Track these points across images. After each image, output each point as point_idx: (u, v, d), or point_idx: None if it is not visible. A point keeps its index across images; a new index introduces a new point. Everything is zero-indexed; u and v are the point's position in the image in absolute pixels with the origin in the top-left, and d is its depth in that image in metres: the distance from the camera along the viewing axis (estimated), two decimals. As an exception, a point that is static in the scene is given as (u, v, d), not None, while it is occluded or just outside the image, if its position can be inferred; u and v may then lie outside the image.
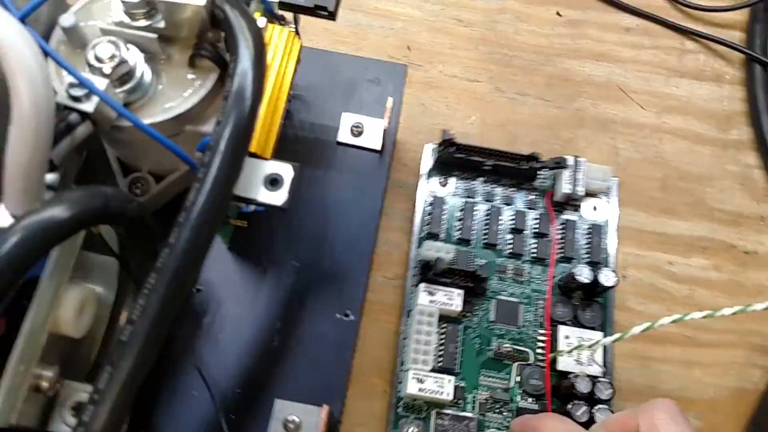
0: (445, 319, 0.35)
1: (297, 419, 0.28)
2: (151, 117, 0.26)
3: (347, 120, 0.32)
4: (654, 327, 0.30)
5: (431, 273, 0.34)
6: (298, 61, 0.29)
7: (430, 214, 0.37)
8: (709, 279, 0.39)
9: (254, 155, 0.25)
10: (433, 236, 0.37)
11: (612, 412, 0.32)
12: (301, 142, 0.32)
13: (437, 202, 0.37)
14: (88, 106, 0.24)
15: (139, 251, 0.26)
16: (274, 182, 0.24)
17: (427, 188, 0.38)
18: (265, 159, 0.25)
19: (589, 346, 0.33)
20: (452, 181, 0.38)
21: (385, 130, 0.31)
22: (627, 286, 0.38)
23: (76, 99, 0.24)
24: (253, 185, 0.24)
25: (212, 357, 0.29)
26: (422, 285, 0.34)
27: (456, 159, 0.37)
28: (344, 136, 0.31)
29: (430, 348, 0.33)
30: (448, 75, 0.42)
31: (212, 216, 0.22)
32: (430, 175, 0.38)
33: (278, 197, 0.24)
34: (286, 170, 0.24)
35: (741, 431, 0.36)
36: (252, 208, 0.28)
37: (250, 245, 0.30)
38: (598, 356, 0.34)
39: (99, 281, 0.27)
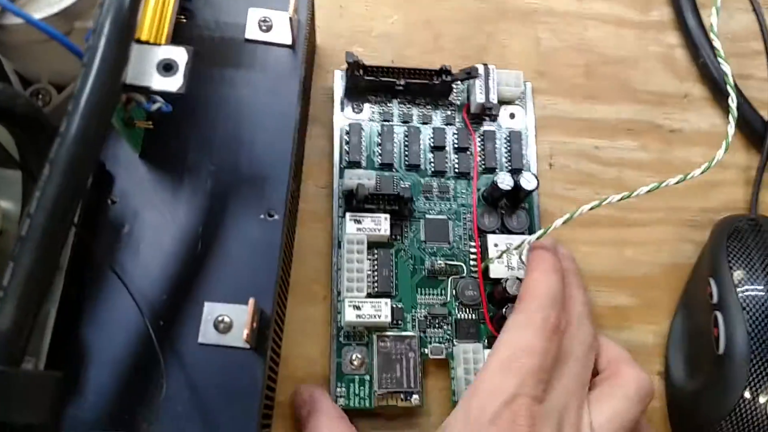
0: (376, 244, 0.35)
1: (228, 318, 0.27)
2: (36, 12, 0.24)
3: (254, 15, 0.30)
4: (573, 217, 0.31)
5: (355, 201, 0.34)
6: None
7: (347, 142, 0.37)
8: (637, 159, 0.39)
9: (146, 43, 0.24)
10: (354, 164, 0.36)
11: None
12: (207, 42, 0.30)
13: (354, 130, 0.37)
14: (-40, -1, 0.22)
15: (40, 158, 0.25)
16: (167, 68, 0.23)
17: (342, 116, 0.37)
18: (157, 45, 0.24)
19: (515, 248, 0.33)
20: (367, 107, 0.38)
21: (292, 20, 0.29)
22: (555, 174, 0.38)
23: (-55, -9, 0.22)
24: (147, 73, 0.23)
25: (135, 267, 0.28)
26: (348, 214, 0.34)
27: (366, 83, 0.37)
28: (252, 32, 0.30)
29: (363, 275, 0.33)
30: (365, -27, 0.41)
31: (101, 101, 0.21)
32: (342, 102, 0.38)
33: (173, 83, 0.23)
34: (179, 54, 0.23)
35: (675, 303, 0.37)
36: (156, 106, 0.27)
37: (164, 152, 0.29)
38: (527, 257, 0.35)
39: (2, 193, 0.26)
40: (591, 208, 0.31)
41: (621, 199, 0.31)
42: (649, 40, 0.41)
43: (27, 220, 0.20)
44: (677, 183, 0.31)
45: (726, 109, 0.40)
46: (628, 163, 0.39)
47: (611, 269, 0.37)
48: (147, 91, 0.23)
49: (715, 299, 0.33)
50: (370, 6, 0.40)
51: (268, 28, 0.31)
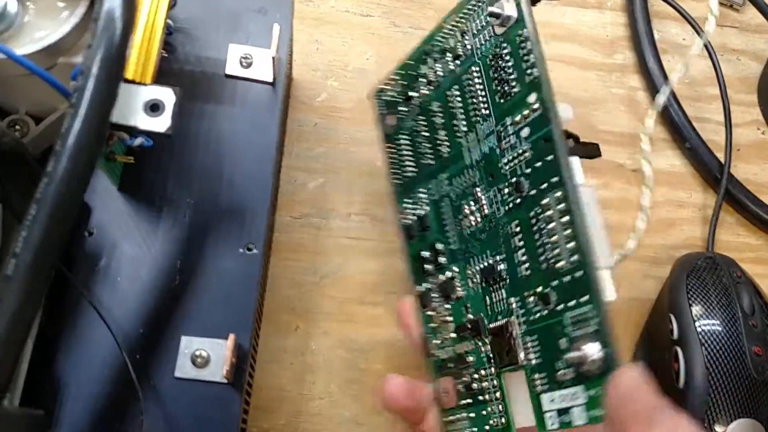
0: None
1: (205, 353, 0.28)
2: (19, 48, 0.24)
3: (235, 51, 0.31)
4: None
5: None
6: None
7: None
8: (601, 198, 0.40)
9: (132, 82, 0.24)
10: None
11: None
12: (188, 77, 0.31)
13: None
14: (-54, 36, 0.22)
15: (23, 193, 0.25)
16: (155, 108, 0.24)
17: None
18: (144, 84, 0.24)
19: None
20: None
21: (275, 59, 0.30)
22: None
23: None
24: (133, 112, 0.24)
25: (112, 300, 0.28)
26: None
27: None
28: (233, 68, 0.31)
29: None
30: (341, 10, 0.41)
31: (90, 141, 0.21)
32: None
33: (161, 123, 0.24)
34: (166, 95, 0.24)
35: (636, 339, 0.38)
36: (138, 142, 0.27)
37: (142, 185, 0.29)
38: None
39: (-20, 228, 0.26)
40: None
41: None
42: (612, 82, 0.43)
43: (12, 259, 0.20)
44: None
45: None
46: (592, 200, 0.40)
47: (576, 303, 0.38)
48: (134, 131, 0.24)
49: (675, 335, 0.34)
50: (347, 42, 0.41)
51: (249, 65, 0.31)
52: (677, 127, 0.41)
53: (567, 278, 0.24)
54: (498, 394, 0.27)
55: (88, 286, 0.28)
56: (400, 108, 0.31)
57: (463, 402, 0.28)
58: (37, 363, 0.26)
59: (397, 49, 0.41)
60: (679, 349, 0.34)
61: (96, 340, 0.27)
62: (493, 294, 0.28)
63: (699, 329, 0.34)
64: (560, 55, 0.43)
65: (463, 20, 0.28)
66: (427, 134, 0.30)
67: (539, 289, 0.25)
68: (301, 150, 0.39)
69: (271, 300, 0.36)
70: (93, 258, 0.29)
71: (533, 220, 0.26)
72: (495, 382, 0.27)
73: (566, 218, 0.25)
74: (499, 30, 0.27)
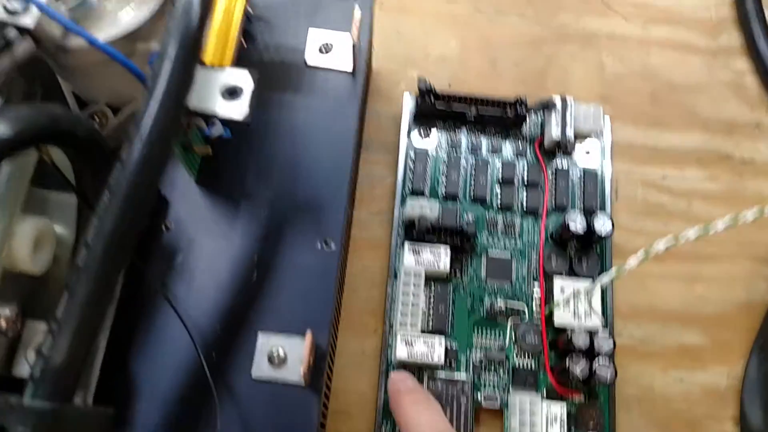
0: (433, 278, 0.33)
1: (282, 351, 0.26)
2: (100, 34, 0.24)
3: (314, 37, 0.29)
4: (648, 258, 0.29)
5: (416, 232, 0.33)
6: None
7: (412, 170, 0.35)
8: (706, 190, 0.37)
9: (210, 67, 0.23)
10: (416, 193, 0.35)
11: (614, 365, 0.30)
12: (268, 67, 0.30)
13: (420, 156, 0.35)
14: (27, 20, 0.22)
15: (97, 182, 0.24)
16: (232, 93, 0.23)
17: (409, 142, 0.36)
18: (221, 68, 0.23)
19: (586, 291, 0.31)
20: (434, 133, 0.36)
21: (355, 47, 0.29)
22: (620, 204, 0.37)
23: (13, 13, 0.22)
24: (211, 98, 0.23)
25: (188, 296, 0.27)
26: (407, 244, 0.33)
27: (437, 110, 0.35)
28: (312, 56, 0.29)
29: (418, 309, 0.32)
30: (423, -3, 0.40)
31: (165, 126, 0.20)
32: (410, 127, 0.36)
33: (238, 109, 0.22)
34: (244, 79, 0.23)
35: (749, 345, 0.35)
36: (216, 132, 0.26)
37: (220, 178, 0.29)
38: (596, 305, 0.32)
39: (57, 218, 0.26)
40: (667, 248, 0.29)
41: (697, 237, 0.29)
42: (718, 66, 0.40)
43: (84, 249, 0.20)
44: (754, 219, 0.29)
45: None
46: (697, 194, 0.37)
47: (681, 306, 0.35)
48: (211, 116, 0.23)
49: (797, 342, 0.31)
50: (428, 30, 0.39)
51: (328, 51, 0.30)
52: (794, 112, 0.37)
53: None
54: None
55: (165, 282, 0.27)
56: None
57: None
58: (111, 361, 0.25)
59: (481, 35, 0.39)
60: (803, 359, 0.30)
61: (171, 337, 0.26)
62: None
63: (826, 337, 0.30)
64: (659, 38, 0.40)
65: None
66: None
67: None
68: (379, 143, 0.37)
69: (350, 301, 0.34)
70: (170, 253, 0.28)
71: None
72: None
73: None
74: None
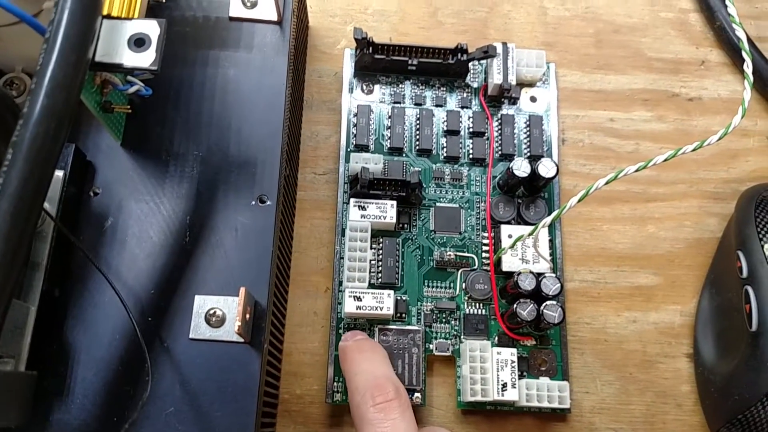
0: (381, 233, 0.33)
1: (220, 311, 0.26)
2: (-1, -8, 0.23)
3: (238, -10, 0.29)
4: (589, 193, 0.28)
5: (359, 186, 0.32)
6: None
7: (355, 125, 0.35)
8: (654, 131, 0.37)
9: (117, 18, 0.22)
10: (361, 148, 0.34)
11: (562, 308, 0.30)
12: (191, 23, 0.29)
13: (363, 112, 0.35)
14: None
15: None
16: (139, 42, 0.22)
17: (351, 98, 0.35)
18: (127, 19, 0.22)
19: (529, 234, 0.31)
20: (377, 88, 0.36)
21: (279, -6, 0.28)
22: (568, 149, 0.36)
23: None
24: (117, 49, 0.22)
25: (121, 261, 0.26)
26: (352, 200, 0.32)
27: (377, 62, 0.35)
28: (236, 9, 0.29)
29: (365, 264, 0.31)
30: (357, -51, 0.39)
31: (66, 76, 0.19)
32: (352, 84, 0.36)
33: (145, 58, 0.22)
34: (151, 27, 0.22)
35: (701, 282, 0.34)
36: (134, 89, 0.25)
37: (147, 139, 0.28)
38: (544, 250, 0.32)
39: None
40: (606, 182, 0.28)
41: (638, 170, 0.28)
42: (661, 5, 0.39)
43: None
44: (694, 150, 0.29)
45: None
46: (645, 135, 0.37)
47: (632, 248, 0.35)
48: (119, 69, 0.22)
49: (744, 273, 0.30)
50: (365, -17, 0.38)
51: (253, 5, 0.29)
52: (736, 48, 0.37)
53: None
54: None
55: (96, 249, 0.26)
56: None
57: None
58: (42, 328, 0.25)
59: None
60: (750, 289, 0.30)
61: (106, 304, 0.26)
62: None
63: (773, 265, 0.30)
64: (600, -21, 0.40)
65: None
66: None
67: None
68: (321, 102, 0.36)
69: (299, 262, 0.34)
70: (99, 219, 0.27)
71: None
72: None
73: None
74: None
